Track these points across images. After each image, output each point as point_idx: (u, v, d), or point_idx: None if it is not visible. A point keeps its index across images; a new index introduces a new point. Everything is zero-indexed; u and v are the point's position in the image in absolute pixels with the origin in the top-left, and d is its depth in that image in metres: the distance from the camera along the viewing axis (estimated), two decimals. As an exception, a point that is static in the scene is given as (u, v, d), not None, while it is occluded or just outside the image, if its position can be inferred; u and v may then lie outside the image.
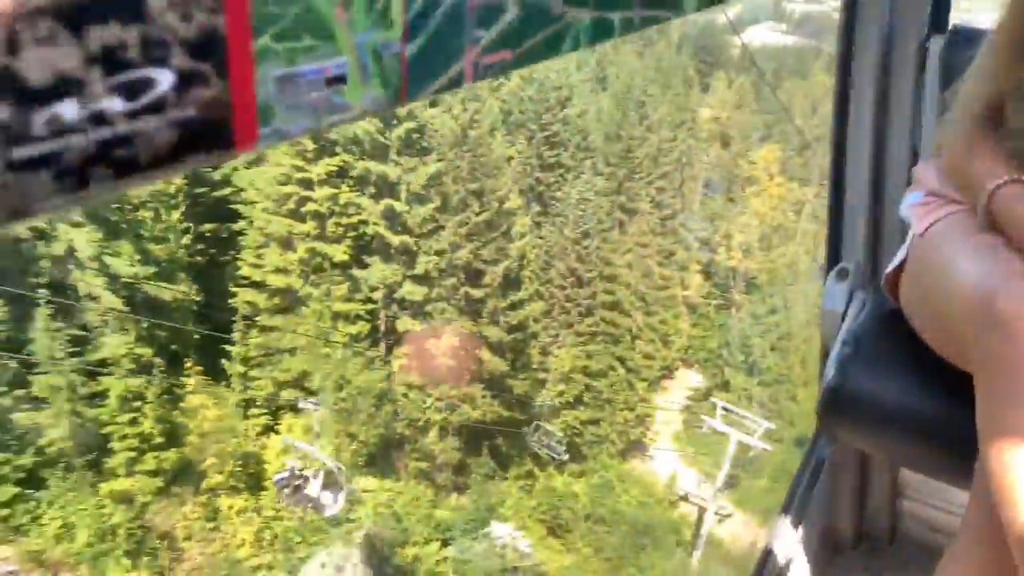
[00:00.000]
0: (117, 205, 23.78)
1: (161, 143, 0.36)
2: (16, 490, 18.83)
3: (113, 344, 23.39)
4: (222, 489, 23.49)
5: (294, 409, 28.55)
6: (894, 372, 1.46)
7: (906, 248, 1.43)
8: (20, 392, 20.35)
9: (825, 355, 1.84)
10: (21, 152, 0.32)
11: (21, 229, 22.49)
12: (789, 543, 2.53)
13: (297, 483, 16.95)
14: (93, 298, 23.60)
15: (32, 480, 19.35)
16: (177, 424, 23.20)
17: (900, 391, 1.44)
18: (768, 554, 2.49)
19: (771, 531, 2.60)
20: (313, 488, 17.00)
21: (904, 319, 1.44)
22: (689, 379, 46.20)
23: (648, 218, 41.09)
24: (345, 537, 22.31)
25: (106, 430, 21.32)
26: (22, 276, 22.47)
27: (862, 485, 2.65)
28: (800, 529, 2.55)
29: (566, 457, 31.60)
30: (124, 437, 21.18)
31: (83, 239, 22.85)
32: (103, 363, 22.97)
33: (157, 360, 24.14)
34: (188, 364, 23.99)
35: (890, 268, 1.48)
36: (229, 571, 20.58)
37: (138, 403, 21.50)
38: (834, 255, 2.23)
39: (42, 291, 21.12)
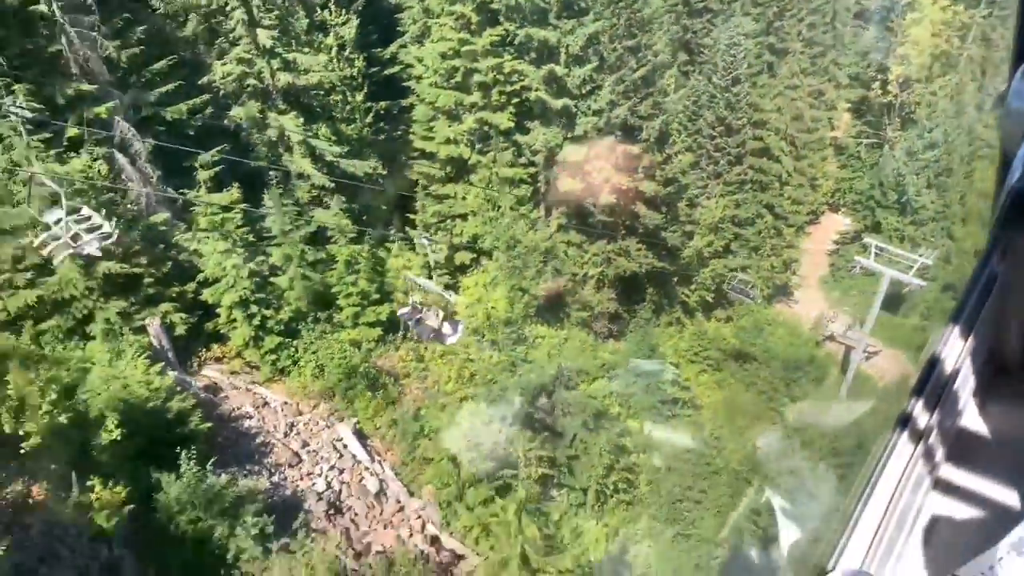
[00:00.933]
0: (314, 90, 26.69)
1: None
2: (279, 339, 23.38)
3: (326, 216, 27.23)
4: (425, 336, 27.54)
5: (464, 269, 32.12)
6: None
7: None
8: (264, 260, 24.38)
9: (1006, 161, 1.67)
10: None
11: (240, 118, 25.98)
12: (955, 354, 2.46)
13: (419, 316, 17.77)
14: (302, 176, 27.22)
15: (289, 331, 23.83)
16: (384, 283, 27.07)
17: None
18: (934, 363, 2.44)
19: (937, 341, 2.55)
20: (433, 319, 17.82)
21: None
22: (838, 223, 46.29)
23: (799, 58, 40.02)
24: (537, 372, 25.99)
25: (334, 290, 25.41)
26: (247, 159, 26.06)
27: None
28: (967, 342, 2.48)
29: (759, 300, 35.50)
30: (349, 295, 25.22)
31: (291, 124, 26.08)
32: (318, 232, 26.99)
33: (356, 228, 27.84)
34: (391, 231, 27.36)
35: None
36: (444, 400, 24.81)
37: (357, 266, 25.27)
38: (1022, 52, 2.02)
39: (271, 172, 24.62)
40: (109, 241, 12.09)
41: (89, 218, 11.91)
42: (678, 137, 36.79)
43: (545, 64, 29.10)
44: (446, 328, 18.17)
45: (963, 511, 2.42)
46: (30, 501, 13.83)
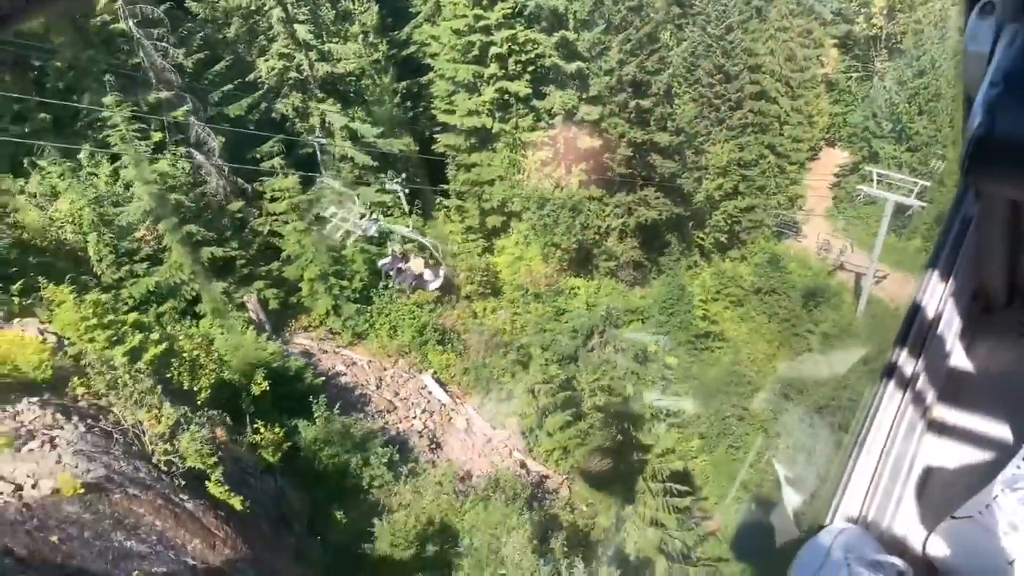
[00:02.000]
0: (348, 77, 29.92)
1: None
2: (355, 306, 26.86)
3: (368, 194, 30.57)
4: (475, 296, 31.13)
5: (497, 232, 35.58)
6: None
7: None
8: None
9: (969, 103, 1.70)
10: None
11: (285, 109, 29.19)
12: (938, 298, 2.55)
13: (399, 265, 18.13)
14: (344, 159, 30.52)
15: (363, 298, 27.31)
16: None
17: None
18: (916, 310, 2.54)
19: (918, 288, 2.62)
20: (415, 267, 18.27)
21: None
22: (836, 157, 50.02)
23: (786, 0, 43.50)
24: (585, 315, 29.64)
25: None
26: (293, 149, 29.34)
27: (1014, 241, 2.54)
28: (948, 285, 2.58)
29: (798, 231, 41.45)
30: (408, 261, 28.68)
31: (331, 110, 29.34)
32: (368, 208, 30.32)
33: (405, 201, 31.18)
34: (438, 201, 30.82)
35: None
36: (505, 347, 28.44)
37: (411, 235, 28.71)
38: None
39: (322, 156, 27.92)
40: (379, 224, 15.78)
41: (354, 209, 15.68)
42: (679, 88, 40.24)
43: (556, 31, 32.41)
44: (427, 275, 18.78)
45: (958, 452, 2.46)
46: (216, 443, 17.32)
